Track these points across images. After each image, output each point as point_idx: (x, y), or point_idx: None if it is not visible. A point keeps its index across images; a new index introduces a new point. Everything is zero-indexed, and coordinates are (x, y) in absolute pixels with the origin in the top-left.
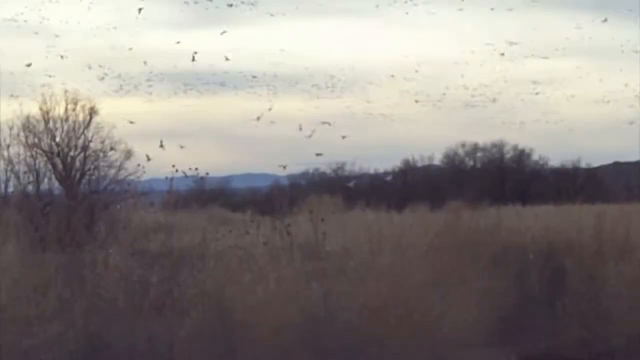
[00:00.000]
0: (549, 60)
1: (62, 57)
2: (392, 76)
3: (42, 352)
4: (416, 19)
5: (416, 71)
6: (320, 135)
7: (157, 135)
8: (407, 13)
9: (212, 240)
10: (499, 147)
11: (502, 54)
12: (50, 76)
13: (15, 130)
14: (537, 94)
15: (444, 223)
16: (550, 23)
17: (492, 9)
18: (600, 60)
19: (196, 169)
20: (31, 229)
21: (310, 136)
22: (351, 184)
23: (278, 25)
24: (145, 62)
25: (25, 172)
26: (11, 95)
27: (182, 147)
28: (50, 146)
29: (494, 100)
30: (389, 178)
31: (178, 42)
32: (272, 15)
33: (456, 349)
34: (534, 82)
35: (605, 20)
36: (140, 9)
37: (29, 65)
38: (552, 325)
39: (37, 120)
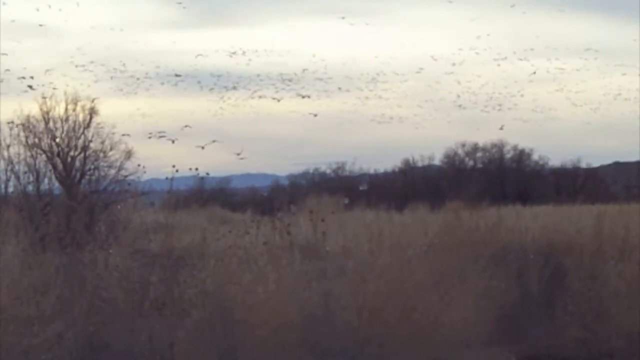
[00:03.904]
0: (549, 60)
1: (62, 57)
2: (392, 76)
3: (42, 352)
4: (417, 19)
5: (417, 71)
6: (320, 135)
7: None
8: (407, 13)
9: (212, 240)
10: (499, 147)
11: (502, 54)
12: (51, 77)
13: (15, 130)
14: (537, 93)
15: (444, 223)
16: (551, 23)
17: (493, 10)
18: (600, 60)
19: (196, 169)
20: (31, 229)
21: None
22: (363, 187)
23: (278, 26)
24: (145, 62)
25: (25, 172)
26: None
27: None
28: (51, 146)
29: (494, 100)
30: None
31: (174, 42)
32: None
33: (456, 349)
34: (534, 82)
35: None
36: None
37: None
38: (552, 325)
39: (37, 120)
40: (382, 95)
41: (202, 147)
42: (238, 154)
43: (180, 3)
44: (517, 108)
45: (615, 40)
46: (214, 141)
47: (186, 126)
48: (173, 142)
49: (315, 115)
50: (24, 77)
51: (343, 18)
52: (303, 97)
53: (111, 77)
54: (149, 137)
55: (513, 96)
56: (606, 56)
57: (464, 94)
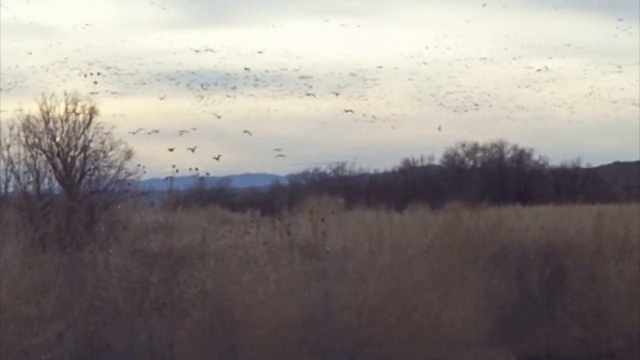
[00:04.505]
0: (549, 60)
1: (62, 56)
2: (393, 76)
3: (42, 352)
4: (416, 19)
5: (417, 72)
6: (320, 135)
7: (157, 135)
8: (407, 13)
9: (212, 240)
10: (499, 147)
11: (502, 54)
12: (51, 76)
13: (15, 130)
14: (537, 93)
15: (444, 223)
16: (550, 22)
17: (492, 9)
18: (600, 60)
19: (196, 169)
20: (31, 229)
21: None
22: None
23: (278, 25)
24: (145, 62)
25: (25, 172)
26: (9, 91)
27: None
28: (50, 146)
29: (494, 99)
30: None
31: (170, 42)
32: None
33: (456, 349)
34: (534, 82)
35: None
36: None
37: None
38: (552, 325)
39: (37, 120)
40: (382, 95)
41: (217, 158)
42: (278, 150)
43: (153, 3)
44: (517, 108)
45: (615, 39)
46: (245, 131)
47: (219, 116)
48: (193, 150)
49: (347, 111)
50: (24, 77)
51: (327, 21)
52: (303, 97)
53: (111, 77)
54: (180, 134)
55: (513, 96)
56: (607, 55)
57: (464, 93)
